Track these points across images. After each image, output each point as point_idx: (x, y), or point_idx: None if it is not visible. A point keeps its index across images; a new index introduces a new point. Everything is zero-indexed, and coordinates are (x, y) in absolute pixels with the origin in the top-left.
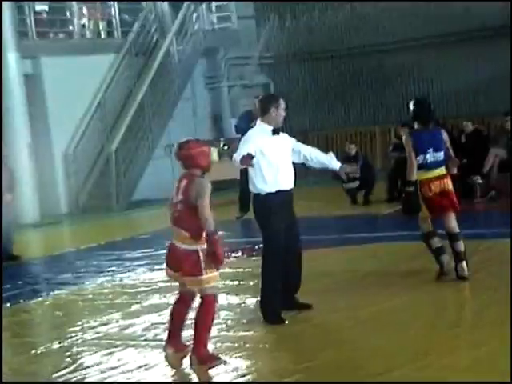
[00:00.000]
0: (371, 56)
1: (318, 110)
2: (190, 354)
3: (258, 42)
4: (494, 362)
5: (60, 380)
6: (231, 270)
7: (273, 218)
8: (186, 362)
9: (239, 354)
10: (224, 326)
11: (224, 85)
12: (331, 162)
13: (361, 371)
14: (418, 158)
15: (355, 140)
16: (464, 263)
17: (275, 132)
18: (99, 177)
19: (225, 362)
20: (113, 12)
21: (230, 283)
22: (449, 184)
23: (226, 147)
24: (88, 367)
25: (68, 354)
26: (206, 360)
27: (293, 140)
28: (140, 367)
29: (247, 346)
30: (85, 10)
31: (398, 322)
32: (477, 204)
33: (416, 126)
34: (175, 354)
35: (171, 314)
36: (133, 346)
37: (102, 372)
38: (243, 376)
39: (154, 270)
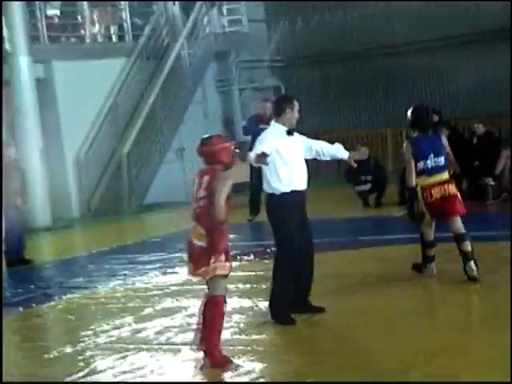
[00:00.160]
0: (382, 58)
1: (328, 112)
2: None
3: (269, 45)
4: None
5: None
6: (243, 273)
7: (287, 218)
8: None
9: (252, 358)
10: (236, 329)
11: (235, 88)
12: (340, 151)
13: (374, 373)
14: (419, 164)
15: (366, 142)
16: (472, 263)
17: (290, 133)
18: (111, 180)
19: (237, 366)
20: (124, 16)
21: (242, 286)
22: (451, 189)
23: (237, 150)
24: (101, 371)
25: (81, 357)
26: (218, 363)
27: (303, 137)
28: (153, 371)
29: (260, 349)
30: (96, 14)
31: (410, 325)
32: (489, 206)
33: (415, 132)
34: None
35: (201, 315)
36: (146, 349)
37: (114, 376)
38: (255, 379)
39: (166, 273)
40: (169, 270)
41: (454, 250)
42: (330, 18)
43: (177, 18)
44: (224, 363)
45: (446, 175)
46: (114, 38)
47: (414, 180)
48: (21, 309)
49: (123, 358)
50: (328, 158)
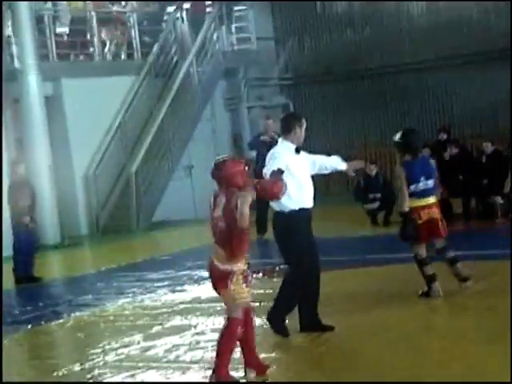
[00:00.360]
0: (391, 76)
1: (337, 130)
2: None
3: (278, 62)
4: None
5: None
6: (252, 291)
7: (296, 236)
8: None
9: (259, 376)
10: None
11: (244, 106)
12: (338, 164)
13: None
14: (411, 187)
15: (376, 160)
16: (460, 264)
17: (298, 150)
18: (120, 198)
19: None
20: (133, 34)
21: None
22: (436, 212)
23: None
24: None
25: (89, 375)
26: (223, 380)
27: (306, 154)
28: None
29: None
30: (105, 32)
31: (423, 344)
32: (498, 224)
33: (406, 156)
34: (258, 375)
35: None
36: (155, 367)
37: (107, 382)
38: None
39: (175, 291)
40: (178, 288)
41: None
42: (338, 36)
43: (186, 35)
44: (226, 378)
45: (433, 198)
46: (123, 56)
47: (407, 205)
48: (29, 326)
49: (132, 376)
50: (328, 172)
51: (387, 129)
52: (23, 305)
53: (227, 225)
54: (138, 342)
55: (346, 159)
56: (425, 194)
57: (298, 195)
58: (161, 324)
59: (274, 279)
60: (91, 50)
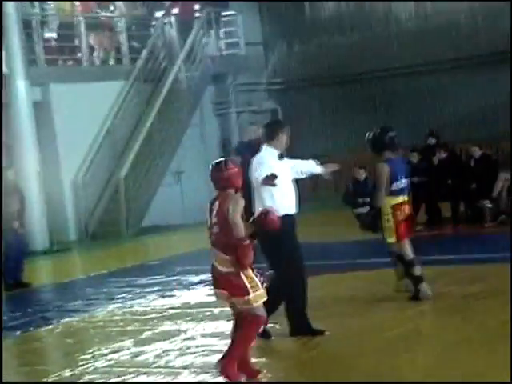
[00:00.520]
0: (379, 81)
1: (326, 135)
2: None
3: (267, 67)
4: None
5: None
6: None
7: (281, 242)
8: None
9: (249, 379)
10: None
11: (232, 111)
12: (315, 168)
13: None
14: (394, 184)
15: (365, 164)
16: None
17: (281, 156)
18: (108, 203)
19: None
20: (121, 39)
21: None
22: (410, 209)
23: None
24: None
25: (80, 381)
26: (229, 374)
27: (287, 160)
28: None
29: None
30: (93, 38)
31: (414, 347)
32: (486, 228)
33: (387, 154)
34: (248, 379)
35: (232, 340)
36: (145, 373)
37: (107, 382)
38: None
39: (164, 296)
40: (167, 293)
41: (453, 273)
42: (327, 41)
43: (174, 40)
44: (234, 376)
45: (407, 197)
46: (112, 61)
47: (383, 200)
48: (18, 332)
49: (122, 381)
50: (305, 176)
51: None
52: (12, 311)
53: (221, 229)
54: (128, 348)
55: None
56: (403, 192)
57: (282, 202)
58: (151, 329)
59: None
60: (79, 55)
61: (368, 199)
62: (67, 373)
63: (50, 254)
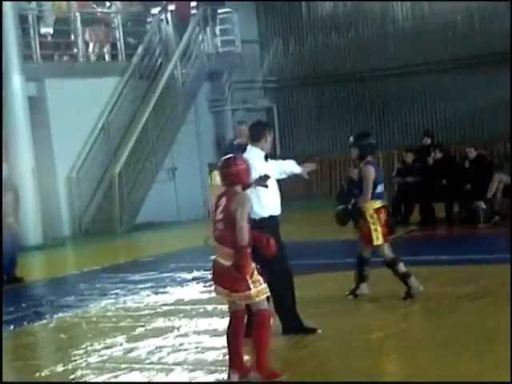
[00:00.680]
0: (375, 80)
1: (321, 134)
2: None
3: (262, 65)
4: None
5: None
6: None
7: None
8: None
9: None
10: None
11: (228, 108)
12: (295, 168)
13: None
14: (377, 188)
15: (358, 164)
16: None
17: (266, 158)
18: (102, 200)
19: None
20: (117, 35)
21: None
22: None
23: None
24: None
25: (72, 377)
26: (269, 375)
27: (270, 161)
28: None
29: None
30: (89, 33)
31: (405, 347)
32: (481, 229)
33: (369, 157)
34: (240, 378)
35: (227, 337)
36: (137, 369)
37: (107, 382)
38: None
39: (158, 293)
40: (160, 290)
41: (446, 274)
42: (323, 40)
43: (170, 37)
44: (274, 375)
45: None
46: (107, 57)
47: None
48: (12, 327)
49: (115, 377)
50: (285, 176)
51: (371, 132)
52: (6, 305)
53: (226, 226)
54: (121, 344)
55: (329, 162)
56: (382, 196)
57: (268, 203)
58: (144, 326)
59: None
60: (75, 50)
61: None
62: (60, 368)
63: (44, 250)
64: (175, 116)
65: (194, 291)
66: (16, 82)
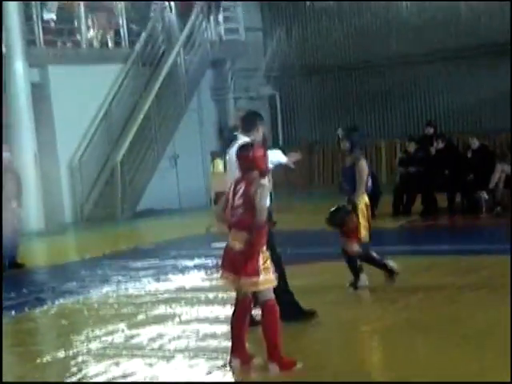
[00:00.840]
0: (378, 70)
1: (323, 122)
2: (268, 361)
3: (265, 54)
4: (498, 377)
5: None
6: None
7: None
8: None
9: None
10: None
11: (230, 96)
12: (281, 157)
13: None
14: (368, 183)
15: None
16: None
17: None
18: (104, 186)
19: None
20: (120, 22)
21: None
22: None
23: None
24: (93, 376)
25: (73, 363)
26: (286, 365)
27: None
28: (146, 378)
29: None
30: (92, 20)
31: (403, 338)
32: (482, 219)
33: (357, 152)
34: (241, 365)
35: (231, 323)
36: (139, 356)
37: (107, 382)
38: None
39: (159, 280)
40: (162, 277)
41: (448, 264)
42: (326, 29)
43: (173, 24)
44: (291, 364)
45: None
46: (110, 44)
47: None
48: (13, 313)
49: (116, 364)
50: (273, 166)
51: (373, 121)
52: (7, 291)
53: (245, 211)
54: (122, 331)
55: (332, 151)
56: (369, 191)
57: None
58: (145, 313)
59: None
60: (78, 37)
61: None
62: (61, 354)
63: (45, 236)
64: (178, 104)
65: (196, 278)
66: (19, 67)
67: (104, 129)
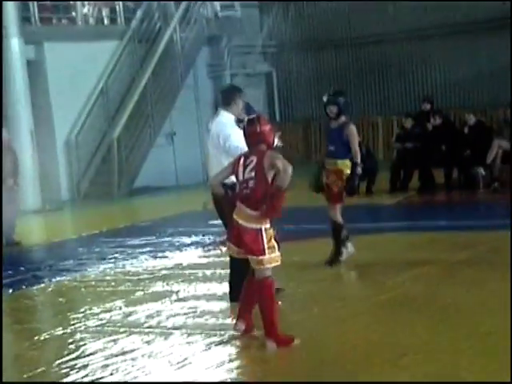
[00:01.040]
0: (374, 46)
1: (320, 99)
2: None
3: (262, 30)
4: (497, 351)
5: (63, 366)
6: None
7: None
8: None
9: (238, 343)
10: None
11: (227, 73)
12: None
13: (363, 362)
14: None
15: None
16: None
17: (238, 122)
18: (101, 164)
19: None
20: None
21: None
22: None
23: None
24: (91, 354)
25: (71, 340)
26: (283, 342)
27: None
28: (144, 354)
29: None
30: None
31: (404, 312)
32: (480, 195)
33: (343, 118)
34: (244, 332)
35: (243, 291)
36: (136, 333)
37: (105, 359)
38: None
39: (156, 257)
40: (159, 254)
41: (445, 240)
42: (323, 4)
43: (169, 1)
44: (288, 341)
45: None
46: (106, 21)
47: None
48: (10, 291)
49: (114, 341)
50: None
51: (370, 97)
52: (4, 269)
53: (257, 183)
54: (120, 308)
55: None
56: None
57: None
58: (142, 290)
59: None
60: (74, 14)
61: (361, 164)
62: (59, 331)
63: (42, 214)
64: (174, 81)
65: (193, 256)
66: (15, 44)
67: (100, 106)
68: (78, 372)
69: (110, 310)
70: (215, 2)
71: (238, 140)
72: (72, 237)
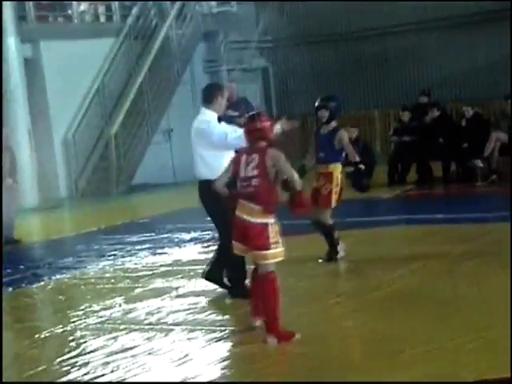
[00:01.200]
0: (371, 40)
1: (317, 93)
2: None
3: (258, 25)
4: (497, 346)
5: (64, 364)
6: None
7: (220, 202)
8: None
9: (238, 339)
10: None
11: (223, 69)
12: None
13: (361, 358)
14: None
15: (355, 124)
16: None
17: (220, 120)
18: (99, 161)
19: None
20: None
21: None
22: None
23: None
24: (91, 351)
25: (71, 338)
26: (284, 337)
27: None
28: (144, 351)
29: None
30: None
31: (402, 307)
32: (478, 188)
33: (334, 123)
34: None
35: (252, 290)
36: (136, 330)
37: (106, 356)
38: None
39: (155, 253)
40: (158, 251)
41: (443, 233)
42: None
43: (165, 1)
44: (289, 336)
45: None
46: (102, 18)
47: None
48: (10, 289)
49: (114, 338)
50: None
51: (367, 92)
52: (4, 267)
53: (263, 179)
54: (120, 305)
55: None
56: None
57: (214, 164)
58: (142, 287)
59: None
60: (70, 11)
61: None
62: (59, 329)
63: (40, 212)
64: (171, 77)
65: (192, 252)
66: (11, 43)
67: (97, 103)
68: (78, 370)
69: (109, 307)
70: None
71: (228, 132)
72: (71, 234)
